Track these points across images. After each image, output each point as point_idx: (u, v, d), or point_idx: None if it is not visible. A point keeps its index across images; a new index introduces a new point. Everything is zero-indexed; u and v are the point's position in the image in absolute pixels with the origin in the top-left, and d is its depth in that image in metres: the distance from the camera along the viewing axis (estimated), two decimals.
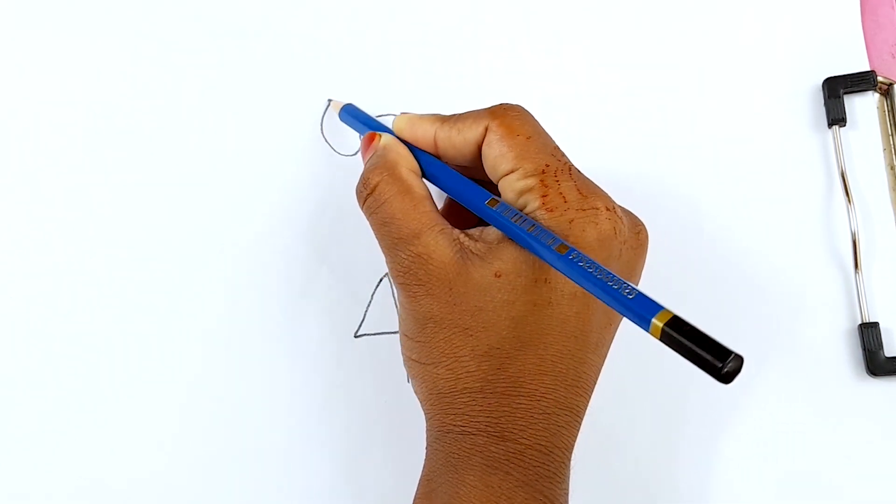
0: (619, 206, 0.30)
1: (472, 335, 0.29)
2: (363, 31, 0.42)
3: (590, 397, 0.31)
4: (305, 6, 0.42)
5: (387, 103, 0.41)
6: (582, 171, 0.31)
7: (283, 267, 0.39)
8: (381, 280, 0.39)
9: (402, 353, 0.32)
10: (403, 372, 0.38)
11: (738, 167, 0.40)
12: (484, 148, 0.31)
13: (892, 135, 0.40)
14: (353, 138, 0.40)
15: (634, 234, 0.31)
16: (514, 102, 0.31)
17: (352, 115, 0.37)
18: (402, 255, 0.30)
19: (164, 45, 0.42)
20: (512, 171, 0.30)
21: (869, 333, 0.37)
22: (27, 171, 0.40)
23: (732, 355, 0.23)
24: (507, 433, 0.29)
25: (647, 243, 0.32)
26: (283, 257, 0.39)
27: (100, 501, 0.37)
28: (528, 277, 0.29)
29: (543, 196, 0.29)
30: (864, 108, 0.40)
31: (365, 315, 0.38)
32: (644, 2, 0.42)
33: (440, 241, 0.30)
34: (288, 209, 0.40)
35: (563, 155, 0.30)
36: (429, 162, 0.32)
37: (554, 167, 0.29)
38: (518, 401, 0.29)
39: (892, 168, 0.40)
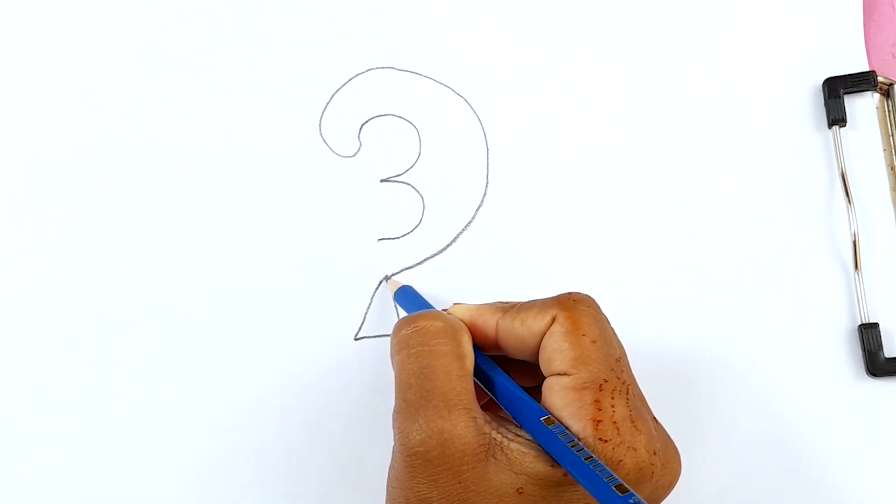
0: (661, 441, 0.28)
1: None
2: (362, 30, 0.41)
3: None
4: (305, 7, 0.42)
5: (387, 104, 0.41)
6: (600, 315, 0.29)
7: (283, 269, 0.39)
8: (380, 282, 0.39)
9: None
10: None
11: (738, 167, 0.40)
12: (545, 339, 0.28)
13: (892, 135, 0.40)
14: (352, 139, 0.40)
15: (667, 472, 0.28)
16: (581, 293, 0.29)
17: (408, 298, 0.36)
18: (421, 424, 0.27)
19: (164, 45, 0.41)
20: (565, 374, 0.27)
21: (869, 334, 0.37)
22: (29, 170, 0.40)
23: None
24: None
25: (677, 481, 0.29)
26: (282, 259, 0.39)
27: (101, 500, 0.37)
28: None
29: (597, 421, 0.26)
30: (864, 108, 0.40)
31: (365, 318, 0.38)
32: (644, 2, 0.42)
33: (469, 428, 0.26)
34: (287, 211, 0.39)
35: (622, 366, 0.28)
36: (481, 358, 0.30)
37: (612, 385, 0.27)
38: None
39: (892, 168, 0.40)
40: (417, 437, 0.27)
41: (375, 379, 0.38)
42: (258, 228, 0.39)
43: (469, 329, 0.30)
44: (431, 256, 0.39)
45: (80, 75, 0.41)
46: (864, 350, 0.37)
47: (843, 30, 0.41)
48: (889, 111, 0.40)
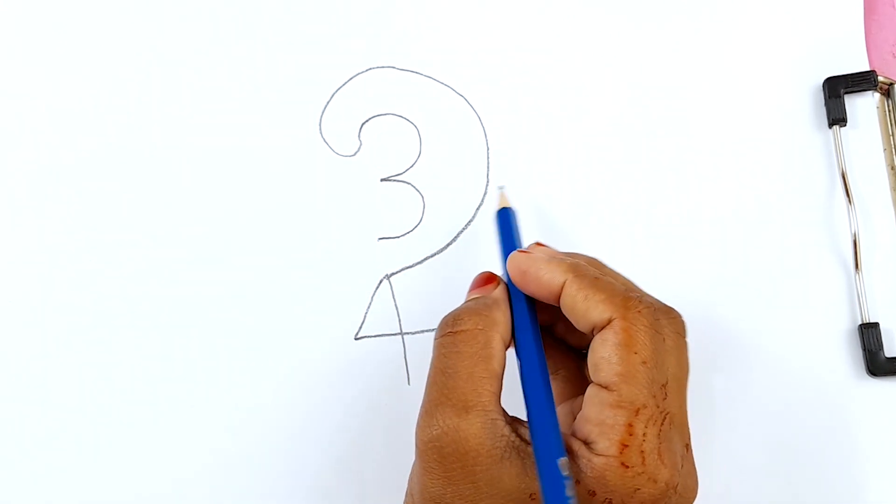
0: (684, 473, 0.28)
1: None
2: (362, 30, 0.41)
3: None
4: (305, 7, 0.42)
5: (387, 104, 0.41)
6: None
7: (283, 269, 0.39)
8: (381, 282, 0.39)
9: None
10: (404, 374, 0.38)
11: (738, 167, 0.40)
12: (597, 339, 0.28)
13: (892, 134, 0.40)
14: (352, 139, 0.40)
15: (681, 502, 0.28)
16: (648, 301, 0.28)
17: (505, 222, 0.34)
18: (439, 420, 0.27)
19: (164, 45, 0.41)
20: (607, 388, 0.27)
21: (869, 334, 0.37)
22: (29, 170, 0.40)
23: None
24: None
25: None
26: (282, 259, 0.39)
27: (101, 500, 0.37)
28: None
29: (624, 445, 0.26)
30: (864, 108, 0.40)
31: (365, 317, 0.38)
32: (644, 2, 0.42)
33: (486, 429, 0.27)
34: (287, 210, 0.39)
35: (667, 392, 0.28)
36: (526, 345, 0.29)
37: (650, 412, 0.27)
38: None
39: (892, 168, 0.40)
40: (433, 432, 0.27)
41: (375, 379, 0.38)
42: (258, 228, 0.39)
43: (533, 282, 0.29)
44: (431, 256, 0.39)
45: (80, 75, 0.41)
46: (864, 350, 0.37)
47: (843, 30, 0.41)
48: (889, 111, 0.40)
